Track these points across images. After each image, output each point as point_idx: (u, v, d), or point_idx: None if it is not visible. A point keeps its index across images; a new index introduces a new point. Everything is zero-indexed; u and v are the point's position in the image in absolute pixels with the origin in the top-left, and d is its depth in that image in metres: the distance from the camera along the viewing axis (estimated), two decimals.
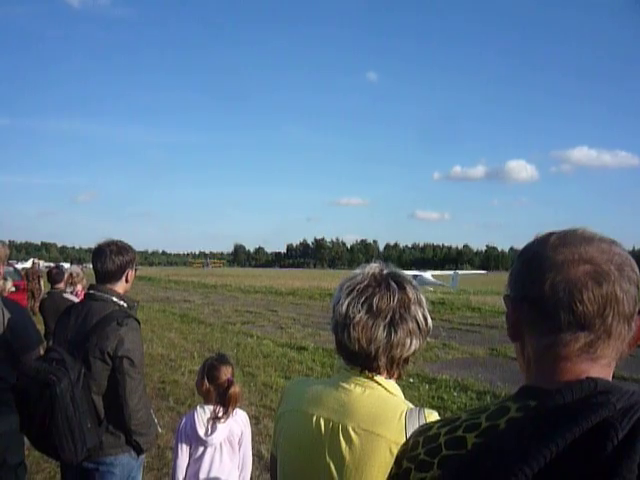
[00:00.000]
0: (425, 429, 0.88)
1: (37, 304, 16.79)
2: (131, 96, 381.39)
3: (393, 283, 1.34)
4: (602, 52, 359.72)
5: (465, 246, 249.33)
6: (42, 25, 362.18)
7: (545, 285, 0.79)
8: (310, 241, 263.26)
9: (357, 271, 1.39)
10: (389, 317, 1.29)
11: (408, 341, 1.30)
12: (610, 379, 0.79)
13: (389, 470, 0.91)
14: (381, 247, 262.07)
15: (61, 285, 6.82)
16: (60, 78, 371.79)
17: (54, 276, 6.86)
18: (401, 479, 0.85)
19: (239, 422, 2.83)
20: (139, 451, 2.66)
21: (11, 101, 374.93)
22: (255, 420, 6.30)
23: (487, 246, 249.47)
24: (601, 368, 0.79)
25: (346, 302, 1.31)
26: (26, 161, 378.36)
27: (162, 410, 6.54)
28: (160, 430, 2.87)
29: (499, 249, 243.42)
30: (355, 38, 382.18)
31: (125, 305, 2.73)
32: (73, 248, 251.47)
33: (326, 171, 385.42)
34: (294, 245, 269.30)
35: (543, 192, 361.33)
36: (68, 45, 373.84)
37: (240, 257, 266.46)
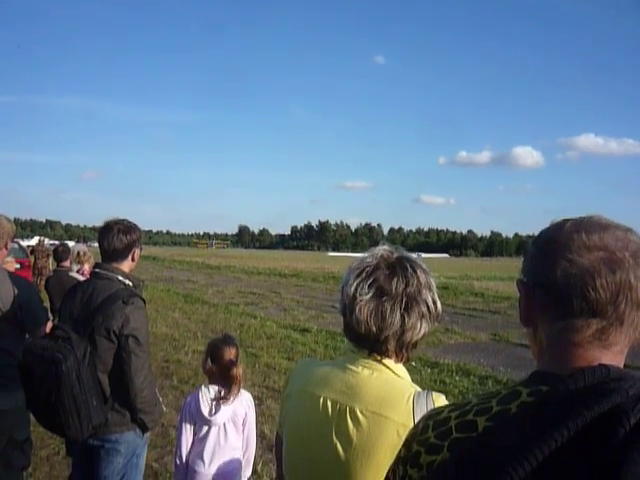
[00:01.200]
0: (435, 413, 0.88)
1: (43, 282, 16.95)
2: (137, 75, 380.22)
3: (405, 266, 1.32)
4: (611, 41, 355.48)
5: (469, 231, 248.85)
6: (47, 3, 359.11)
7: (558, 271, 0.79)
8: (314, 223, 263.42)
9: (366, 254, 1.37)
10: (403, 301, 1.28)
11: (419, 325, 1.29)
12: (622, 366, 0.79)
13: (397, 452, 0.91)
14: (385, 231, 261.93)
15: (67, 263, 6.82)
16: (67, 56, 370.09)
17: (60, 254, 6.85)
18: (411, 462, 0.85)
19: (243, 403, 2.85)
20: (144, 429, 2.68)
21: (17, 78, 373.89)
22: (258, 401, 6.33)
23: (491, 232, 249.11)
24: (613, 355, 0.79)
25: (354, 284, 1.30)
26: (31, 139, 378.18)
27: (165, 389, 6.59)
28: (164, 409, 2.88)
29: (503, 235, 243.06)
30: (363, 22, 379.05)
31: (131, 284, 2.73)
32: (78, 226, 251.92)
33: (332, 154, 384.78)
34: (298, 227, 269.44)
35: (548, 179, 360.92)
36: (73, 23, 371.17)
37: (244, 238, 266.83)
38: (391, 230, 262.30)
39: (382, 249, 1.37)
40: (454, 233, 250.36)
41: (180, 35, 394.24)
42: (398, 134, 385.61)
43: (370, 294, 1.28)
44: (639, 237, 0.82)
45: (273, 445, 4.91)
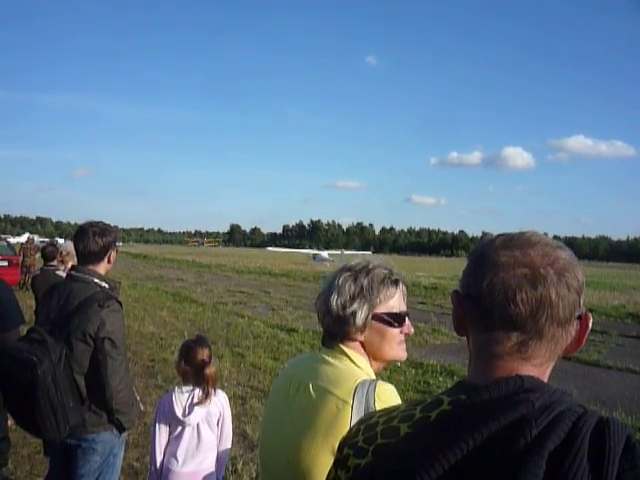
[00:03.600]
0: (367, 418, 0.92)
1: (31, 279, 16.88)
2: (132, 74, 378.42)
3: (365, 270, 1.51)
4: (600, 43, 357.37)
5: (461, 232, 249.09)
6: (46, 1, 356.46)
7: (484, 284, 0.82)
8: (306, 222, 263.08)
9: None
10: (365, 303, 1.48)
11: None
12: (544, 379, 0.82)
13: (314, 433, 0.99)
14: (377, 230, 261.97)
15: (55, 262, 6.80)
16: (61, 53, 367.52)
17: (48, 253, 6.83)
18: (341, 464, 0.89)
19: (217, 403, 2.88)
20: (121, 429, 2.72)
21: (9, 75, 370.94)
22: (242, 400, 6.37)
23: (483, 232, 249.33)
24: (533, 368, 0.81)
25: (337, 280, 1.50)
26: (23, 135, 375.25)
27: (150, 388, 6.61)
28: (142, 408, 2.92)
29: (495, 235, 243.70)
30: (355, 23, 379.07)
31: (107, 286, 2.75)
32: (68, 223, 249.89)
33: (324, 154, 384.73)
34: (290, 226, 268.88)
35: (539, 180, 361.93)
36: (67, 21, 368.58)
37: (236, 237, 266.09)
38: (383, 230, 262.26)
39: (369, 256, 1.64)
40: (445, 233, 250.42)
41: (174, 36, 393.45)
42: (390, 134, 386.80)
43: (335, 295, 1.49)
44: (570, 255, 0.84)
45: (255, 445, 4.96)
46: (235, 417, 5.82)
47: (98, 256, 2.78)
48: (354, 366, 1.45)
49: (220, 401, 2.91)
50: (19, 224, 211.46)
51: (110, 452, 2.72)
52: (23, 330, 2.75)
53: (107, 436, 2.68)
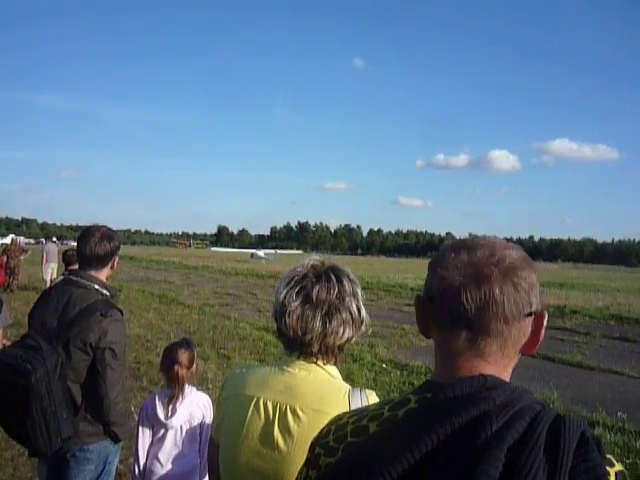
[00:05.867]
0: (337, 418, 0.95)
1: (16, 281, 16.75)
2: (119, 74, 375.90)
3: (329, 276, 1.44)
4: (586, 47, 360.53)
5: (448, 234, 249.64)
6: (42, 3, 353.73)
7: (436, 286, 0.88)
8: (294, 224, 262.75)
9: (300, 263, 1.49)
10: (324, 308, 1.40)
11: (341, 330, 1.41)
12: (506, 378, 0.86)
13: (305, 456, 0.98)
14: (365, 232, 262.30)
15: (76, 267, 6.63)
16: (48, 53, 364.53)
17: (69, 257, 6.69)
18: (312, 463, 0.92)
19: (200, 405, 2.89)
20: (116, 440, 2.65)
21: None
22: None
23: (469, 234, 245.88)
24: (493, 366, 0.85)
25: (284, 291, 1.42)
26: (8, 135, 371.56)
27: (135, 390, 6.58)
28: (135, 417, 2.89)
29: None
30: (341, 25, 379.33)
31: (108, 294, 2.67)
32: (54, 225, 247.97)
33: (311, 155, 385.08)
34: (278, 228, 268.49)
35: (525, 182, 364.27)
36: (55, 23, 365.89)
37: (223, 238, 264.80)
38: (370, 232, 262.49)
39: (312, 259, 1.49)
40: (432, 235, 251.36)
41: (164, 38, 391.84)
42: (377, 136, 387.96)
43: (296, 301, 1.40)
44: (520, 255, 0.89)
45: None
46: None
47: (103, 261, 2.69)
48: (329, 376, 1.42)
49: (203, 403, 2.92)
50: (4, 225, 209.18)
51: (105, 460, 2.64)
52: (13, 333, 2.74)
53: (102, 445, 2.60)
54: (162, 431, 2.82)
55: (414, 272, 37.68)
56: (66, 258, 6.75)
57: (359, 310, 1.45)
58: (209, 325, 11.98)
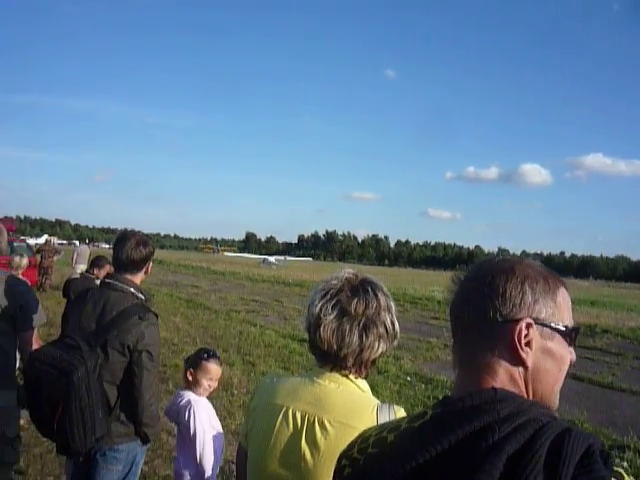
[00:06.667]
0: (364, 432, 0.98)
1: (49, 281, 17.14)
2: (152, 78, 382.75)
3: (366, 289, 1.44)
4: (622, 62, 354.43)
5: (477, 247, 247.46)
6: (62, 2, 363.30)
7: (451, 303, 0.96)
8: (322, 233, 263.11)
9: (333, 275, 1.49)
10: (362, 322, 1.40)
11: (376, 345, 1.41)
12: (520, 392, 0.86)
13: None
14: (392, 243, 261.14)
15: (97, 272, 6.71)
16: (85, 57, 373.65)
17: (97, 261, 6.78)
18: (338, 474, 0.95)
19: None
20: (146, 441, 2.71)
21: (31, 77, 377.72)
22: None
23: (499, 248, 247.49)
24: (500, 381, 0.86)
25: (319, 304, 1.42)
26: (45, 138, 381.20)
27: (161, 393, 6.61)
28: (161, 418, 2.93)
29: (511, 252, 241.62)
30: (374, 35, 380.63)
31: (143, 298, 2.74)
32: (86, 227, 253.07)
33: (340, 164, 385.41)
34: (305, 236, 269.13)
35: (556, 197, 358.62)
36: (88, 23, 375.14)
37: (251, 245, 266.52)
38: (398, 243, 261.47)
39: (347, 272, 1.50)
40: (461, 248, 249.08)
41: (194, 39, 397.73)
42: (406, 147, 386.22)
43: (333, 314, 1.40)
44: (509, 264, 0.92)
45: None
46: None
47: (138, 266, 2.76)
48: (359, 391, 1.43)
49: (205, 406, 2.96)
50: (38, 226, 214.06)
51: (133, 461, 2.70)
52: (45, 332, 2.81)
53: (131, 445, 2.66)
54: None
55: (441, 285, 37.19)
56: (95, 262, 6.84)
57: (393, 324, 1.45)
58: (235, 331, 12.07)
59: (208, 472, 2.76)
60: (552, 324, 0.88)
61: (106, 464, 2.62)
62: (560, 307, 0.90)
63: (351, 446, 0.96)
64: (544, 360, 0.88)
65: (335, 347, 1.39)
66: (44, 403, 2.37)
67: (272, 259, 55.37)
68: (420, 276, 64.37)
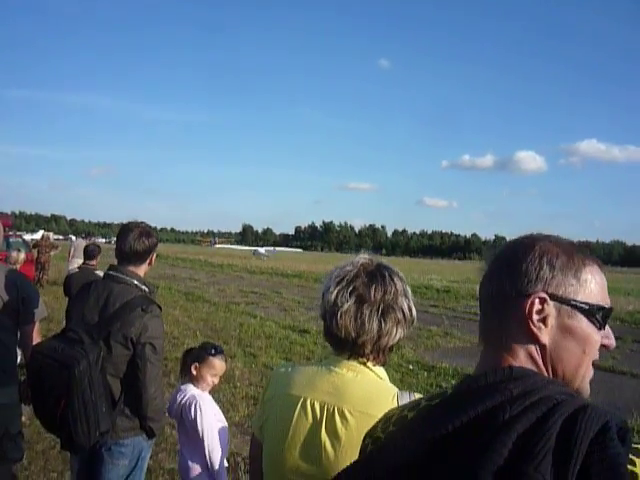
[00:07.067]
0: (388, 412, 0.98)
1: (46, 276, 17.09)
2: (147, 72, 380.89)
3: (383, 274, 1.40)
4: (613, 48, 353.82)
5: (473, 235, 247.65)
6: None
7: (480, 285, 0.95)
8: (318, 224, 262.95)
9: (347, 261, 1.45)
10: (380, 308, 1.36)
11: (394, 331, 1.38)
12: (538, 368, 0.84)
13: (356, 454, 0.99)
14: (389, 233, 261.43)
15: (94, 262, 6.74)
16: (80, 52, 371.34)
17: (90, 252, 6.76)
18: (362, 452, 0.96)
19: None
20: (151, 436, 2.67)
21: (28, 72, 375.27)
22: (254, 400, 6.37)
23: (495, 236, 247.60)
24: (519, 359, 0.85)
25: (335, 290, 1.38)
26: (41, 133, 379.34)
27: (163, 387, 6.61)
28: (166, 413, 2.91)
29: (507, 239, 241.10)
30: (367, 25, 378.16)
31: (147, 290, 2.70)
32: (82, 222, 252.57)
33: (335, 155, 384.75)
34: (302, 227, 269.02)
35: (552, 184, 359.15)
36: (86, 19, 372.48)
37: (248, 237, 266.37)
38: (395, 232, 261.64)
39: (362, 257, 1.45)
40: (458, 236, 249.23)
41: (191, 33, 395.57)
42: (401, 137, 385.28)
43: (350, 301, 1.36)
44: (522, 248, 0.90)
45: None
46: (247, 417, 5.84)
47: (142, 257, 2.72)
48: (377, 378, 1.40)
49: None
50: (34, 221, 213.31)
51: (139, 456, 2.66)
52: (44, 327, 2.77)
53: (136, 440, 2.62)
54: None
55: (439, 273, 37.47)
56: (87, 252, 6.81)
57: (410, 310, 1.42)
58: (235, 323, 12.06)
59: (216, 466, 2.74)
60: (572, 301, 0.84)
61: (112, 459, 2.59)
62: (585, 285, 0.86)
63: (375, 427, 0.96)
64: (564, 339, 0.85)
65: (353, 334, 1.35)
66: (47, 397, 2.34)
67: (262, 250, 57.55)
68: (418, 265, 64.55)
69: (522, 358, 0.84)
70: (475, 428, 0.73)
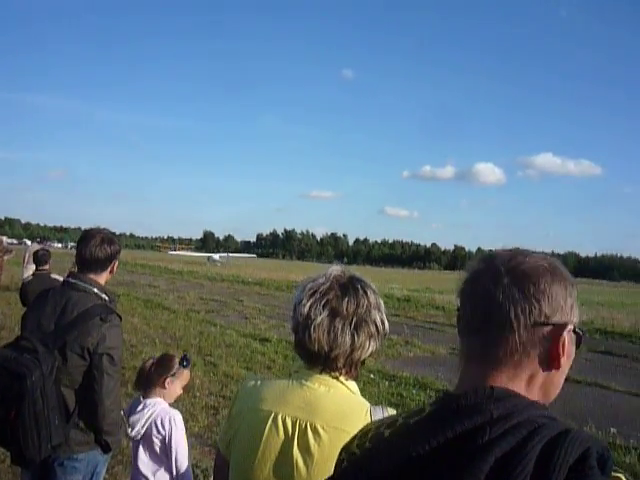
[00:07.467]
0: (365, 427, 0.95)
1: None
2: (109, 75, 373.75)
3: (356, 287, 1.39)
4: (572, 62, 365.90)
5: (433, 244, 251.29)
6: None
7: (460, 295, 0.90)
8: (280, 232, 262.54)
9: (320, 272, 1.44)
10: (353, 321, 1.34)
11: (367, 344, 1.37)
12: (521, 391, 0.82)
13: (329, 471, 0.96)
14: (351, 241, 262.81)
15: (47, 267, 6.62)
16: (33, 50, 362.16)
17: (40, 257, 6.64)
18: (337, 468, 0.93)
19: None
20: (107, 450, 2.58)
21: None
22: (214, 410, 6.29)
23: (455, 246, 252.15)
24: (506, 377, 0.83)
25: (308, 303, 1.35)
26: None
27: (120, 396, 6.45)
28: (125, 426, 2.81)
29: (467, 249, 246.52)
30: (330, 34, 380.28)
31: (107, 298, 2.62)
32: (38, 225, 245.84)
33: (298, 163, 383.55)
34: (264, 235, 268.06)
35: (510, 195, 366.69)
36: (54, 19, 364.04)
37: (209, 244, 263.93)
38: (356, 240, 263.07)
39: (334, 269, 1.43)
40: (418, 246, 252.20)
41: (155, 40, 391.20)
42: (363, 145, 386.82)
43: (323, 314, 1.33)
44: (542, 264, 0.87)
45: None
46: (207, 427, 5.74)
47: (103, 265, 2.65)
48: (350, 393, 1.38)
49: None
50: None
51: (93, 471, 2.57)
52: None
53: (91, 454, 2.53)
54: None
55: (400, 282, 37.79)
56: (37, 258, 6.70)
57: (383, 323, 1.40)
58: (195, 331, 11.89)
59: None
60: (577, 328, 0.87)
61: (65, 474, 2.49)
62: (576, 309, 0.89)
63: (351, 441, 0.94)
64: (566, 364, 0.86)
65: (326, 348, 1.33)
66: None
67: (216, 257, 57.55)
68: (379, 273, 64.99)
69: (515, 379, 0.83)
70: (453, 449, 0.71)
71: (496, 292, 0.83)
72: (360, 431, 0.95)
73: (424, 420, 0.80)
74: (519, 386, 0.83)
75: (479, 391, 0.78)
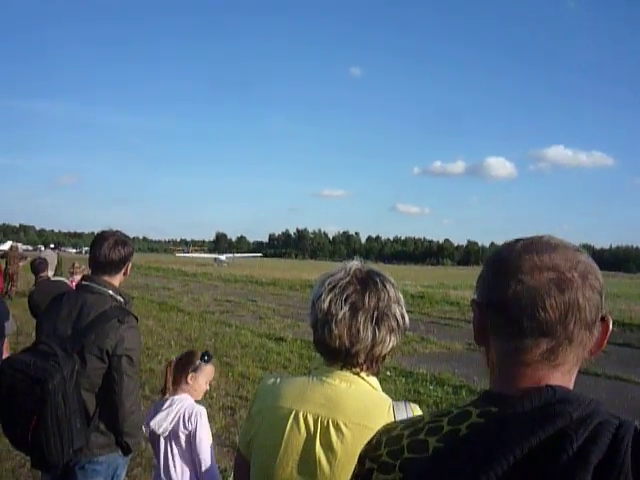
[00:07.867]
0: (389, 429, 0.89)
1: (15, 288, 16.68)
2: (117, 81, 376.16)
3: (375, 281, 1.36)
4: (581, 56, 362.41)
5: (446, 240, 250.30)
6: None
7: (509, 291, 0.80)
8: (292, 231, 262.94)
9: (338, 267, 1.41)
10: (374, 315, 1.32)
11: (388, 339, 1.34)
12: (571, 386, 0.80)
13: (353, 468, 0.91)
14: (363, 239, 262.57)
15: (44, 274, 6.76)
16: (43, 58, 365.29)
17: (37, 266, 6.79)
18: (365, 478, 0.86)
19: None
20: (127, 452, 2.57)
21: None
22: (231, 411, 6.29)
23: (468, 241, 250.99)
24: (562, 375, 0.80)
25: (328, 298, 1.33)
26: (7, 142, 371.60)
27: (140, 398, 6.48)
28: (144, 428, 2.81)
29: (479, 244, 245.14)
30: (337, 33, 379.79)
31: (122, 300, 2.62)
32: (52, 231, 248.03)
33: (309, 162, 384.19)
34: (276, 235, 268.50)
35: (521, 189, 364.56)
36: (54, 24, 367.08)
37: (222, 245, 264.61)
38: (369, 238, 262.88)
39: (353, 264, 1.41)
40: (430, 242, 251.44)
41: (160, 43, 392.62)
42: (374, 143, 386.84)
43: (344, 309, 1.31)
44: (588, 257, 0.83)
45: None
46: (224, 428, 5.75)
47: (117, 267, 2.63)
48: (372, 389, 1.35)
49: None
50: (1, 232, 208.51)
51: (114, 474, 2.56)
52: (12, 340, 2.67)
53: (112, 457, 2.52)
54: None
55: (413, 279, 37.72)
56: (34, 267, 6.86)
57: (403, 317, 1.38)
58: (210, 332, 11.92)
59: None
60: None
61: (85, 478, 2.47)
62: None
63: (376, 445, 0.87)
64: None
65: (347, 344, 1.31)
66: (18, 414, 2.23)
67: (223, 257, 58.97)
68: (392, 270, 64.04)
69: (566, 376, 0.80)
70: (545, 460, 0.67)
71: (574, 292, 0.78)
72: (382, 434, 0.88)
73: (488, 426, 0.74)
74: (568, 380, 0.81)
75: (542, 392, 0.74)
